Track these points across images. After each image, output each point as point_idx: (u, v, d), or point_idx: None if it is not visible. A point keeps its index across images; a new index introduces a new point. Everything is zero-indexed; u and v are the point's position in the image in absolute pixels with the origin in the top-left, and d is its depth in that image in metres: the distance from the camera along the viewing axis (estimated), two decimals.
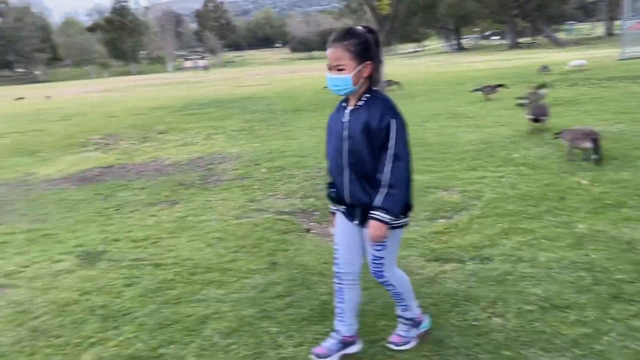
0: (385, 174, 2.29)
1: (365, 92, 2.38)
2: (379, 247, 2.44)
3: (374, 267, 2.52)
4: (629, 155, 6.29)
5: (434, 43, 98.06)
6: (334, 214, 2.66)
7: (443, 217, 4.81)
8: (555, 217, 4.49)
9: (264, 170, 7.35)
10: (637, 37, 27.81)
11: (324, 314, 3.06)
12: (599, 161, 6.04)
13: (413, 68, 36.15)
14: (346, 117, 2.40)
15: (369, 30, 2.35)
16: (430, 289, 3.31)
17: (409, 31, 71.34)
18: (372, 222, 2.33)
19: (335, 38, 2.33)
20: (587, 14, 73.45)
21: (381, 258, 2.47)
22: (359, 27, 2.36)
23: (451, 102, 13.73)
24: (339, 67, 2.31)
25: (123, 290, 3.62)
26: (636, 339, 2.61)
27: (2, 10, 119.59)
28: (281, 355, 2.69)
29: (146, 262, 4.16)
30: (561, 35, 61.09)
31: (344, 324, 2.65)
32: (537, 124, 8.35)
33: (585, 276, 3.31)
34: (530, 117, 8.35)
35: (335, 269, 2.62)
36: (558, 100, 12.06)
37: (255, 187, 6.46)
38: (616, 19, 44.17)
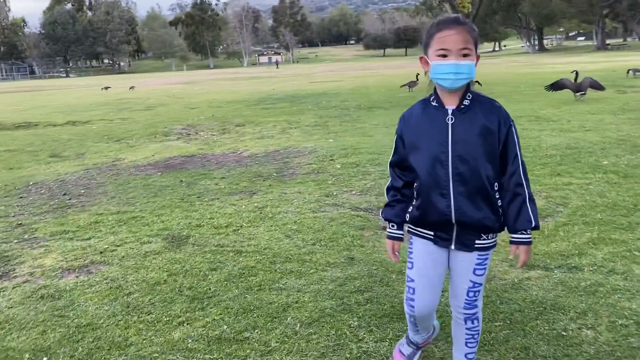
0: (526, 187, 2.02)
1: (466, 90, 2.03)
2: (481, 272, 2.12)
3: (470, 298, 2.15)
4: None
5: (514, 43, 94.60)
6: (396, 238, 2.25)
7: None
8: None
9: (338, 165, 7.39)
10: None
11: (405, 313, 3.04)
12: None
13: (492, 68, 35.15)
14: (451, 119, 2.01)
15: None
16: (514, 295, 3.22)
17: (488, 30, 69.31)
18: (524, 247, 2.06)
19: (457, 20, 1.96)
20: None
21: (481, 285, 2.15)
22: None
23: (534, 104, 13.22)
24: (465, 52, 1.93)
25: (208, 274, 3.77)
26: None
27: (93, 5, 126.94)
28: (362, 349, 2.70)
29: (228, 249, 4.30)
30: None
31: (421, 336, 2.49)
32: None
33: None
34: None
35: (406, 309, 2.30)
36: None
37: (330, 182, 6.50)
38: None
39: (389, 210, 2.22)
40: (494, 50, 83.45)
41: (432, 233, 2.13)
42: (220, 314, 3.14)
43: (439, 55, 1.95)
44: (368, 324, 2.95)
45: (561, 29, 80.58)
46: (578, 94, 12.78)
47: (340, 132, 10.58)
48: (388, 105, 15.01)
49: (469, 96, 2.03)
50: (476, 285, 2.14)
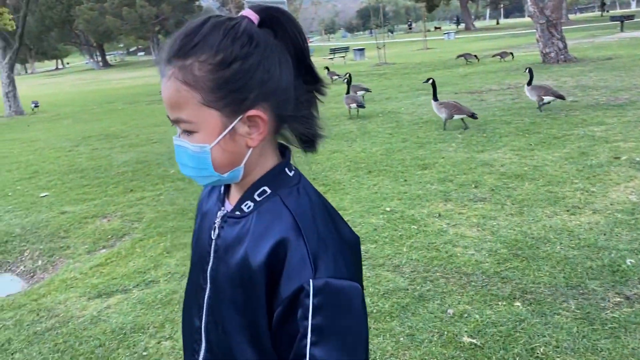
0: None
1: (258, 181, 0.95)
2: None
3: None
4: None
5: (78, 60, 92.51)
6: None
7: (104, 247, 4.57)
8: None
9: None
10: None
11: None
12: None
13: (56, 87, 33.42)
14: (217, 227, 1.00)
15: None
16: (95, 330, 3.09)
17: (47, 48, 65.47)
18: None
19: (167, 55, 0.86)
20: None
21: None
22: None
23: (103, 122, 13.18)
24: (182, 127, 0.88)
25: None
26: None
27: None
28: None
29: None
30: None
31: None
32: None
33: None
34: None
35: None
36: None
37: None
38: None
39: None
40: (57, 69, 79.53)
41: None
42: None
43: None
44: None
45: (121, 45, 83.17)
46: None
47: None
48: None
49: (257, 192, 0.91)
50: None
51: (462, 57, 18.69)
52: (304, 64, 0.89)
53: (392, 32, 68.70)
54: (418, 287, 3.21)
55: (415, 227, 4.18)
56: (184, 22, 0.86)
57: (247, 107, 0.83)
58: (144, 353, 2.80)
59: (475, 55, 18.37)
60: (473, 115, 7.39)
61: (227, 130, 0.84)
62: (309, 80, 0.90)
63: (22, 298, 3.73)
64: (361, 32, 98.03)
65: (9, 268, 4.53)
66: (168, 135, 9.99)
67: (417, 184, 5.29)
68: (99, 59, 66.50)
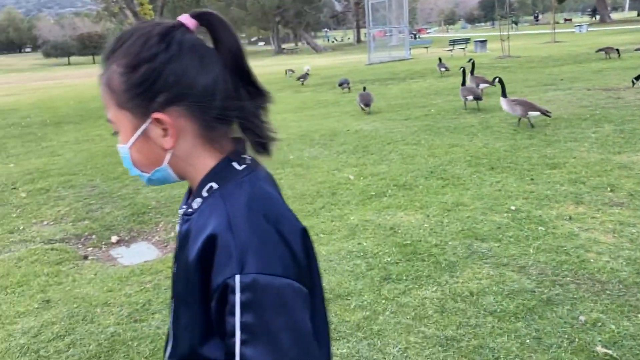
0: None
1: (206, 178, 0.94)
2: None
3: None
4: (383, 150, 7.15)
5: None
6: None
7: None
8: (330, 211, 4.88)
9: (23, 194, 6.48)
10: (380, 44, 31.87)
11: (114, 347, 2.83)
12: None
13: None
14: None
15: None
16: None
17: None
18: None
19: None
20: (338, 22, 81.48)
21: None
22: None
23: None
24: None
25: None
26: (406, 313, 2.98)
27: None
28: None
29: None
30: (320, 42, 66.71)
31: None
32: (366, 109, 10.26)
33: (360, 263, 3.67)
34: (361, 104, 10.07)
35: None
36: (322, 103, 13.14)
37: (14, 215, 5.66)
38: (363, 27, 49.84)
39: None
40: None
41: None
42: None
43: None
44: None
45: (243, 35, 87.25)
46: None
47: (22, 154, 9.29)
48: (79, 119, 13.84)
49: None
50: None
51: (602, 52, 17.08)
52: (240, 70, 0.89)
53: (516, 24, 65.21)
54: (546, 291, 3.06)
55: (543, 229, 3.98)
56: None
57: (155, 109, 0.84)
58: None
59: (617, 50, 16.74)
60: (547, 114, 7.35)
61: (138, 132, 0.86)
62: (248, 85, 0.90)
63: (158, 264, 4.08)
64: (482, 24, 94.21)
65: (145, 237, 4.96)
66: (285, 124, 10.33)
67: (545, 184, 5.01)
68: None
